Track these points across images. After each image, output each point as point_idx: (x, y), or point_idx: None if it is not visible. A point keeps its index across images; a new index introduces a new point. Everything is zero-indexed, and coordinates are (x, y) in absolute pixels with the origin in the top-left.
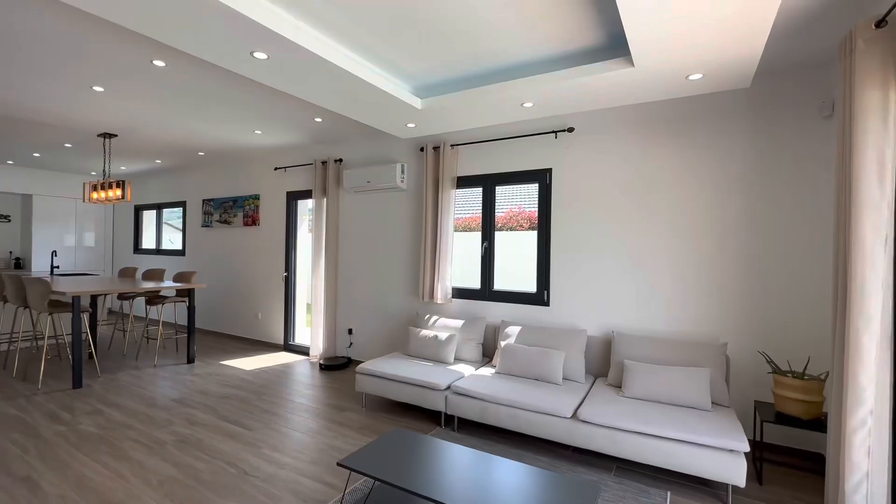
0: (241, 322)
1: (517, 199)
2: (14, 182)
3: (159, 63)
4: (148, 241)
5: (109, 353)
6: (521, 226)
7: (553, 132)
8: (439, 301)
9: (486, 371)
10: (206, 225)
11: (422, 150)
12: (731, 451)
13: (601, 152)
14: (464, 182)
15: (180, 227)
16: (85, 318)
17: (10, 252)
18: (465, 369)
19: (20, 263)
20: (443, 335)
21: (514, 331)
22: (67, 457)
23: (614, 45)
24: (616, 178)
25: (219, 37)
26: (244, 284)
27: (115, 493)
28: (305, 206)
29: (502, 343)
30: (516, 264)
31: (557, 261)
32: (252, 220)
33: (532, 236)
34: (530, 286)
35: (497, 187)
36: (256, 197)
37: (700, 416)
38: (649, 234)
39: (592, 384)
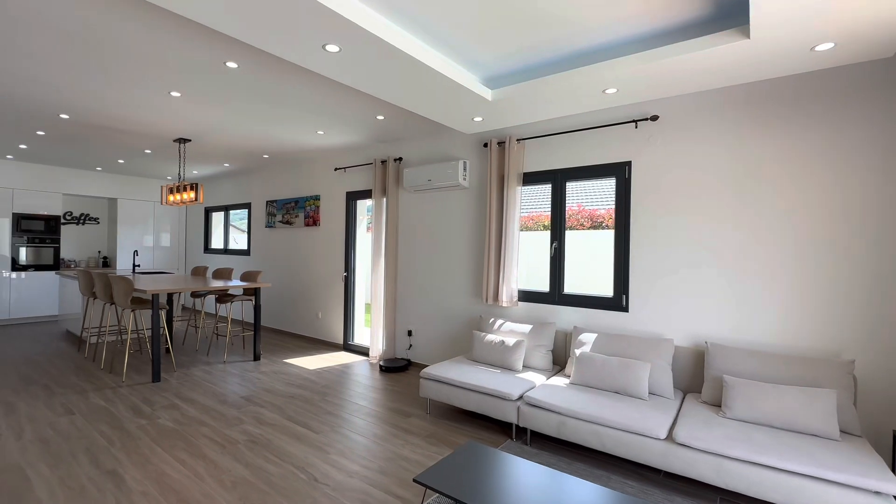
0: (303, 321)
1: (591, 195)
2: (102, 187)
3: (232, 65)
4: (216, 242)
5: (183, 348)
6: (594, 224)
7: (633, 121)
8: (504, 304)
9: (559, 381)
10: (269, 225)
11: (485, 145)
12: (877, 493)
13: (691, 141)
14: (531, 178)
15: (244, 227)
16: (162, 314)
17: (99, 251)
18: (536, 378)
19: (107, 262)
20: (510, 341)
21: (588, 338)
22: (148, 451)
23: (719, 17)
24: (710, 169)
25: (293, 29)
26: (305, 284)
27: (192, 492)
28: (364, 206)
29: (577, 351)
30: (590, 266)
31: (638, 262)
32: (313, 221)
33: (607, 236)
34: (605, 290)
35: (568, 183)
36: (317, 198)
37: (827, 446)
38: (751, 233)
39: (682, 401)
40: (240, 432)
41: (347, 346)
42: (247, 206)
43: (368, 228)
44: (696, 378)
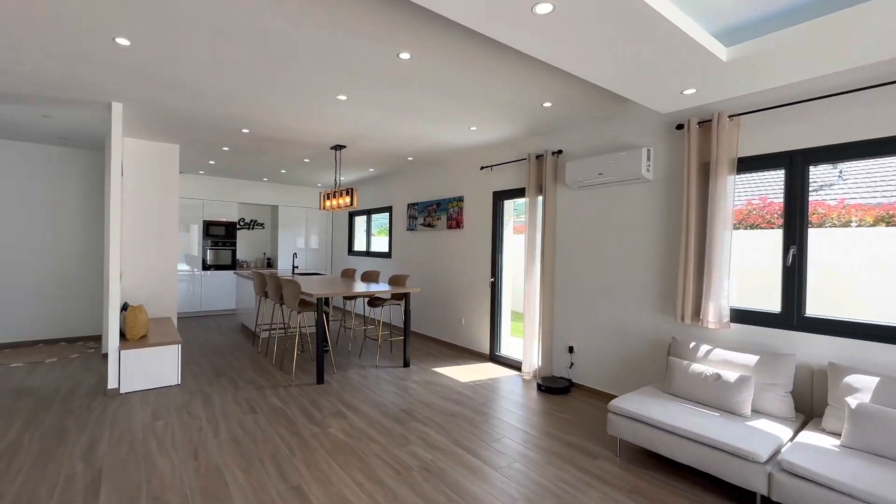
0: (445, 327)
1: (864, 182)
2: (266, 195)
3: (405, 55)
4: (359, 244)
5: (337, 349)
6: (881, 219)
7: None
8: (710, 325)
9: (819, 439)
10: (410, 228)
11: (678, 127)
12: None
13: None
14: (749, 164)
15: (380, 231)
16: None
17: (264, 253)
18: (776, 430)
19: (270, 263)
20: (730, 375)
21: (862, 382)
22: (326, 467)
23: None
24: None
25: None
26: (447, 288)
27: None
28: (511, 206)
29: (851, 402)
30: (857, 278)
31: None
32: (456, 223)
33: (883, 234)
34: (885, 313)
35: (811, 167)
36: (460, 199)
37: None
38: None
39: None
40: (410, 455)
41: (494, 358)
42: (388, 209)
43: (515, 231)
44: None
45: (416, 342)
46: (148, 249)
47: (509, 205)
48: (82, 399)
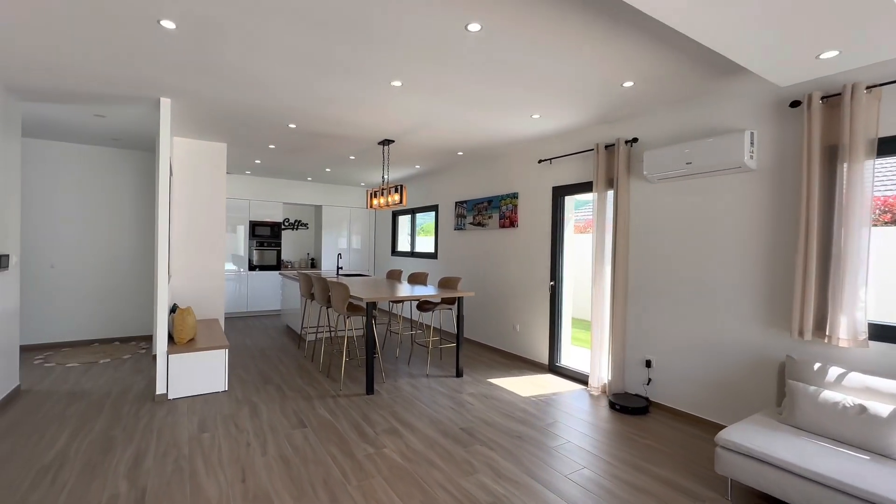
0: (497, 333)
1: None
2: (310, 195)
3: (474, 27)
4: (402, 245)
5: (384, 355)
6: None
7: None
8: (841, 342)
9: None
10: (458, 228)
11: (793, 105)
12: None
13: None
14: (891, 146)
15: (424, 230)
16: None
17: (308, 253)
18: None
19: (314, 263)
20: (879, 408)
21: None
22: (385, 498)
23: None
24: None
25: None
26: (500, 292)
27: None
28: (572, 203)
29: None
30: None
31: None
32: (510, 222)
33: None
34: None
35: None
36: (514, 195)
37: None
38: None
39: None
40: (478, 487)
41: (554, 369)
42: (433, 208)
43: (575, 230)
44: None
45: (466, 349)
46: (196, 250)
47: (570, 201)
48: (131, 405)
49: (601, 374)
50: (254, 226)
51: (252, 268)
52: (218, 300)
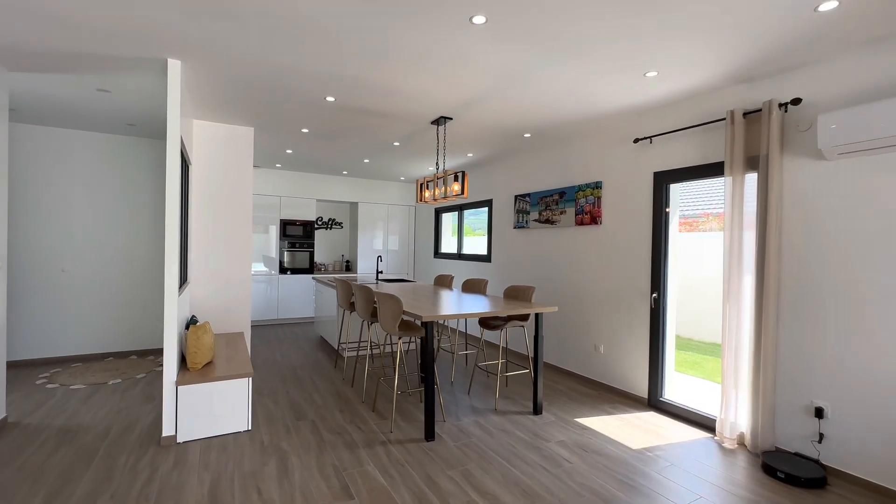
0: (574, 354)
1: None
2: (345, 191)
3: None
4: (446, 245)
5: (438, 380)
6: None
7: None
8: None
9: None
10: (519, 225)
11: None
12: None
13: None
14: None
15: (473, 229)
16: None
17: (342, 255)
18: None
19: (349, 266)
20: None
21: None
22: None
23: None
24: None
25: None
26: (576, 304)
27: None
28: (677, 192)
29: None
30: None
31: None
32: (590, 218)
33: None
34: None
35: None
36: (597, 185)
37: None
38: None
39: None
40: None
41: (657, 405)
42: (486, 203)
43: (681, 226)
44: None
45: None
46: (219, 253)
47: (676, 190)
48: (130, 451)
49: (737, 420)
50: (285, 225)
51: (283, 270)
52: (244, 312)
